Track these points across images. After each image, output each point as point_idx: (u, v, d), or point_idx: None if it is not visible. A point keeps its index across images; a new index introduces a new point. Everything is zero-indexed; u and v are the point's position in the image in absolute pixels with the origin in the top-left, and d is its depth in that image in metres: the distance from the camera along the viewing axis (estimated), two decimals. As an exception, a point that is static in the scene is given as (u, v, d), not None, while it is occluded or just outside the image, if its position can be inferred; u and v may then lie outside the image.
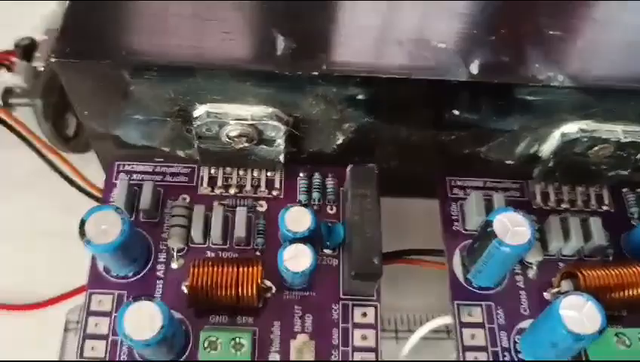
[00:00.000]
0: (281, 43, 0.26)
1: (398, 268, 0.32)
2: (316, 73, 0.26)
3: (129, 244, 0.26)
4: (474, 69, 0.26)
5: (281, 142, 0.29)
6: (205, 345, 0.26)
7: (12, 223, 0.35)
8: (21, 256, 0.34)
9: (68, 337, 0.31)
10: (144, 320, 0.24)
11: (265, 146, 0.29)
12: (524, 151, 0.30)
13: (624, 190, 0.31)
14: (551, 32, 0.27)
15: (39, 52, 0.34)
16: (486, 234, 0.26)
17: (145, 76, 0.26)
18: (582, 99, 0.27)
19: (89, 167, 0.34)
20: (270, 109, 0.27)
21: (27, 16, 0.35)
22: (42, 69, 0.34)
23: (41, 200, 0.35)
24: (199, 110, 0.28)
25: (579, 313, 0.24)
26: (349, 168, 0.28)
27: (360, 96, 0.27)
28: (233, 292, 0.27)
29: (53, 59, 0.26)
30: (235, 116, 0.27)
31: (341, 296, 0.29)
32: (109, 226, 0.26)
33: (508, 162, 0.31)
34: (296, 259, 0.27)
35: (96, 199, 0.33)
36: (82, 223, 0.26)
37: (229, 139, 0.28)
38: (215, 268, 0.27)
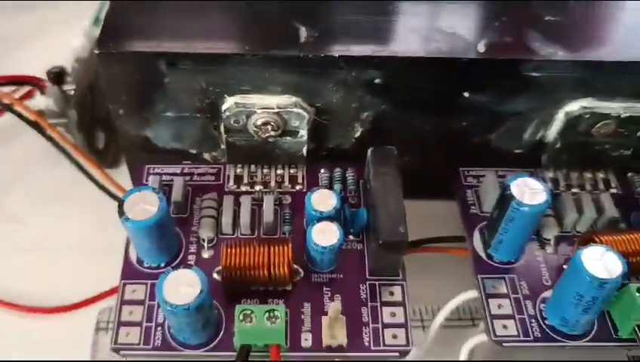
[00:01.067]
0: (303, 33, 0.29)
1: (419, 258, 0.33)
2: (336, 55, 0.28)
3: (166, 223, 0.28)
4: (481, 48, 0.29)
5: (304, 133, 0.31)
6: (240, 317, 0.27)
7: (50, 233, 0.36)
8: (58, 265, 0.35)
9: (99, 336, 0.31)
10: (183, 286, 0.25)
11: (289, 138, 0.31)
12: (531, 137, 0.32)
13: (629, 174, 0.33)
14: (549, 18, 0.30)
15: (70, 77, 0.36)
16: (504, 198, 0.27)
17: (180, 66, 0.28)
18: (581, 75, 0.29)
19: (118, 179, 0.35)
20: (294, 98, 0.30)
21: (58, 48, 0.38)
22: (73, 92, 0.36)
23: (77, 210, 0.37)
24: (228, 102, 0.30)
25: (599, 261, 0.25)
26: (370, 150, 0.30)
27: (377, 80, 0.29)
28: (265, 271, 0.28)
29: (96, 51, 0.28)
30: (262, 105, 0.30)
31: (368, 277, 0.29)
32: (147, 205, 0.27)
33: (517, 151, 0.33)
34: (324, 235, 0.28)
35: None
36: (121, 203, 0.27)
37: (256, 128, 0.30)
38: (247, 249, 0.28)
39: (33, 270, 0.34)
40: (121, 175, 0.36)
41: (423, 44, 0.29)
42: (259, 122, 0.30)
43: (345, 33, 0.29)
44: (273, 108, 0.30)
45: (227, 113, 0.30)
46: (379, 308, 0.29)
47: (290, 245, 0.28)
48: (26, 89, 0.37)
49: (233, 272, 0.28)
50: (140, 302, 0.29)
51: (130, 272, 0.29)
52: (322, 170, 0.33)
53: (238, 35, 0.29)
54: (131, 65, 0.29)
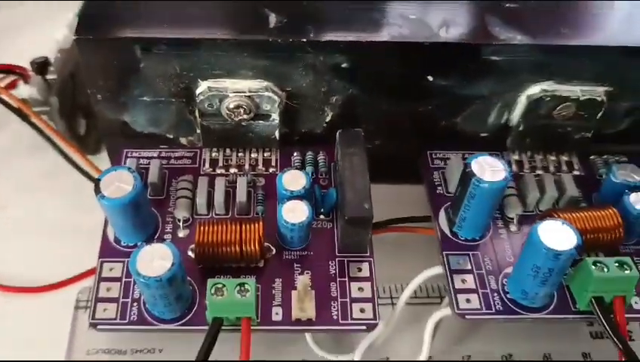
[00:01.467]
0: (273, 18, 0.30)
1: (389, 238, 0.34)
2: (304, 40, 0.29)
3: (141, 201, 0.29)
4: (443, 33, 0.30)
5: (276, 116, 0.32)
6: (212, 291, 0.28)
7: (32, 217, 0.37)
8: (39, 248, 0.36)
9: (78, 314, 0.32)
10: (156, 260, 0.26)
11: (262, 121, 0.32)
12: (496, 120, 0.33)
13: (592, 157, 0.34)
14: (508, 5, 0.31)
15: (53, 67, 0.38)
16: (466, 176, 0.29)
17: (154, 51, 0.29)
18: (540, 58, 0.30)
19: (100, 165, 0.36)
20: (265, 83, 0.31)
21: (44, 41, 0.39)
22: (55, 81, 0.37)
23: (60, 195, 0.38)
24: (202, 86, 0.31)
25: (555, 234, 0.27)
26: (338, 132, 0.31)
27: (344, 65, 0.30)
28: (237, 248, 0.29)
29: (74, 37, 0.29)
30: (234, 89, 0.31)
31: (337, 254, 0.31)
32: (123, 183, 0.28)
33: (482, 134, 0.34)
34: (294, 213, 0.29)
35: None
36: (97, 181, 0.28)
37: (229, 111, 0.31)
38: (220, 227, 0.29)
39: (17, 253, 0.35)
40: (103, 160, 0.37)
41: (387, 29, 0.30)
42: (231, 105, 0.31)
43: (313, 19, 0.30)
44: (245, 92, 0.31)
45: (201, 97, 0.31)
46: (347, 283, 0.30)
47: (261, 223, 0.30)
48: (11, 78, 0.38)
49: (206, 249, 0.29)
50: (117, 279, 0.30)
51: (107, 251, 0.30)
52: (295, 153, 0.34)
53: (211, 20, 0.30)
54: (108, 50, 0.30)
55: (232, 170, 0.33)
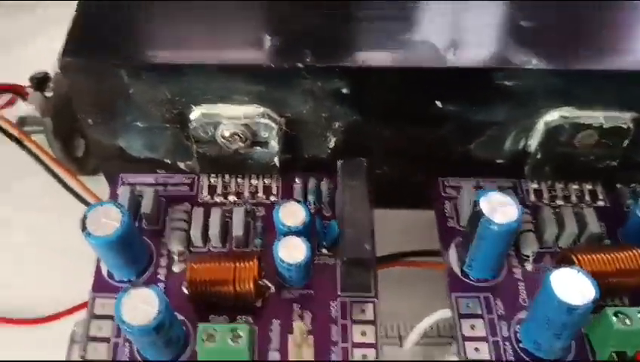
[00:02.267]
0: (267, 41, 0.28)
1: (396, 272, 0.32)
2: (301, 65, 0.27)
3: (129, 238, 0.27)
4: (450, 56, 0.27)
5: (274, 143, 0.30)
6: (204, 337, 0.26)
7: (25, 241, 0.36)
8: (33, 273, 0.35)
9: (73, 348, 0.31)
10: (141, 305, 0.25)
11: (260, 148, 0.30)
12: (512, 147, 0.31)
13: (618, 185, 0.31)
14: (523, 23, 0.29)
15: (52, 83, 0.36)
16: (474, 214, 0.26)
17: (142, 77, 0.28)
18: (557, 84, 0.28)
19: (97, 189, 0.35)
20: (261, 108, 0.29)
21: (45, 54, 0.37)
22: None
23: (53, 218, 0.36)
24: (195, 112, 0.29)
25: (571, 285, 0.24)
26: (339, 163, 0.29)
27: (344, 90, 0.28)
28: (231, 288, 0.27)
29: (59, 59, 0.28)
30: (228, 116, 0.29)
31: (339, 294, 0.29)
32: (110, 220, 0.27)
33: (499, 161, 0.31)
34: (291, 251, 0.27)
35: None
36: (84, 218, 0.27)
37: (224, 139, 0.29)
38: (212, 264, 0.28)
39: (12, 278, 0.35)
40: (102, 183, 0.35)
41: (390, 52, 0.28)
42: (226, 133, 0.29)
43: (310, 41, 0.28)
44: (240, 119, 0.29)
45: (194, 124, 0.29)
46: (349, 326, 0.28)
47: (255, 260, 0.28)
48: (8, 96, 0.37)
49: (199, 287, 0.28)
50: (109, 317, 0.28)
51: (100, 286, 0.29)
52: (297, 181, 0.32)
53: (201, 43, 0.29)
54: (94, 75, 0.28)
55: (231, 198, 0.31)
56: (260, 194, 0.32)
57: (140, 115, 0.30)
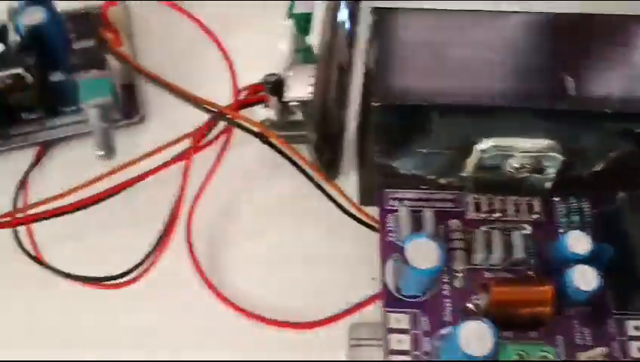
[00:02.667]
0: (570, 84, 0.30)
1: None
2: (608, 111, 0.29)
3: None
4: None
5: (552, 171, 0.32)
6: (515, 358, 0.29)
7: (281, 246, 0.38)
8: (288, 278, 0.37)
9: (354, 352, 0.34)
10: (475, 338, 0.28)
11: (537, 175, 0.32)
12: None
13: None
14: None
15: (285, 88, 0.37)
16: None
17: (449, 116, 0.29)
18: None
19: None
20: (552, 142, 0.31)
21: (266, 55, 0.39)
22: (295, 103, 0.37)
23: (307, 222, 0.38)
24: (485, 143, 0.31)
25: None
26: (620, 195, 0.31)
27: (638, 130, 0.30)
28: (529, 310, 0.30)
29: (375, 104, 0.29)
30: (520, 149, 0.31)
31: (613, 311, 0.32)
32: (427, 252, 0.29)
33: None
34: (585, 278, 0.30)
35: (359, 221, 0.36)
36: (401, 248, 0.29)
37: (512, 169, 0.31)
38: (513, 287, 0.30)
39: (273, 282, 0.37)
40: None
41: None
42: (515, 164, 0.31)
43: (608, 83, 0.30)
44: (531, 152, 0.31)
45: (484, 154, 0.31)
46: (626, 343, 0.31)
47: (550, 285, 0.30)
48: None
49: (500, 309, 0.30)
50: (405, 331, 0.31)
51: (391, 301, 0.32)
52: (556, 198, 0.34)
53: (502, 82, 0.30)
54: (405, 114, 0.30)
55: (496, 215, 0.34)
56: (524, 212, 0.34)
57: (429, 144, 0.31)
